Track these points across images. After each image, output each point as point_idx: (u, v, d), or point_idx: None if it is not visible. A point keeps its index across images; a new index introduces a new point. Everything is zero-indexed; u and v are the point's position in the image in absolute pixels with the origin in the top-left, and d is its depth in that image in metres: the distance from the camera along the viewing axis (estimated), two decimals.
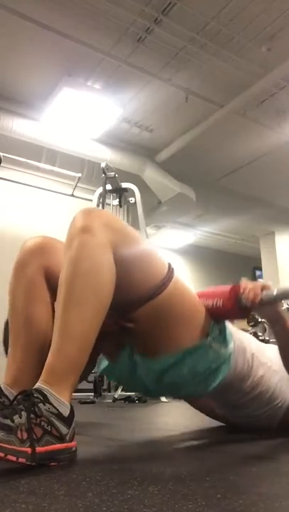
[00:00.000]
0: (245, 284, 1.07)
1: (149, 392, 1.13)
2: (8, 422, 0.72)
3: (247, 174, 5.75)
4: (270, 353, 1.24)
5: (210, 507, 0.52)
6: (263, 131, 4.90)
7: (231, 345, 1.10)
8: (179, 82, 4.18)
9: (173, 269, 1.02)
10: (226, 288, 1.09)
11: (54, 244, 1.11)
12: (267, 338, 3.00)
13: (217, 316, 1.09)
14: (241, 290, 1.06)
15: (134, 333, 1.02)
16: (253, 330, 2.42)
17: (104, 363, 1.16)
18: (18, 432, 0.72)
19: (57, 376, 0.81)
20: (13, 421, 0.72)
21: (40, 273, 1.07)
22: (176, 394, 1.07)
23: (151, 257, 1.00)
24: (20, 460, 0.70)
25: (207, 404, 1.41)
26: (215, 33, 3.58)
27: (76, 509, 0.51)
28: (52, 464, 0.75)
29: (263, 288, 1.06)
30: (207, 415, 1.48)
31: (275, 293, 1.06)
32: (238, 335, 1.19)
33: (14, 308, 1.06)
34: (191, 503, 0.53)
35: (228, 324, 1.15)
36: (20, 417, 0.73)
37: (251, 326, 1.73)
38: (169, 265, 1.02)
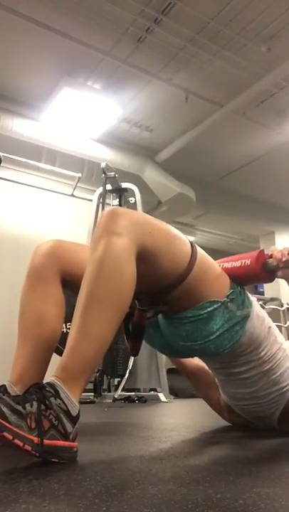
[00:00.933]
0: (274, 248, 1.16)
1: (166, 346, 1.18)
2: (19, 408, 0.72)
3: (247, 174, 5.75)
4: (283, 339, 1.26)
5: (210, 507, 0.52)
6: (263, 131, 4.90)
7: (249, 310, 1.14)
8: (179, 82, 4.18)
9: (195, 248, 1.07)
10: (254, 251, 1.17)
11: (66, 245, 1.14)
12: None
13: (243, 277, 1.16)
14: (270, 252, 1.15)
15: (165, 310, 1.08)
16: None
17: None
18: (28, 420, 0.72)
19: (70, 374, 0.82)
20: (24, 408, 0.73)
21: (55, 275, 1.10)
22: (190, 348, 1.11)
23: (176, 243, 1.04)
24: (26, 447, 0.70)
25: (212, 394, 1.44)
26: (215, 33, 3.59)
27: (76, 509, 0.51)
28: (53, 459, 0.75)
29: None
30: (210, 406, 1.49)
31: None
32: (260, 307, 1.23)
33: (26, 309, 1.08)
34: (191, 503, 0.53)
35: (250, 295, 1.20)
36: (32, 406, 0.74)
37: None
38: (192, 244, 1.07)
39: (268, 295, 6.32)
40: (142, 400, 3.25)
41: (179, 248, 1.04)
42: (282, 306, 4.73)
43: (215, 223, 7.08)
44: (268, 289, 6.86)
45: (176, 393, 4.12)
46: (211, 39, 3.65)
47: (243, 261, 1.16)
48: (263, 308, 4.49)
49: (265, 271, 1.14)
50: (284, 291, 6.49)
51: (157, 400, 3.40)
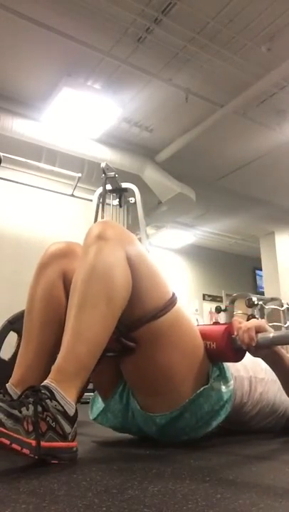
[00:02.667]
0: (238, 326, 1.04)
1: (142, 434, 1.13)
2: (15, 412, 0.72)
3: (247, 174, 5.75)
4: (264, 364, 1.21)
5: (210, 507, 0.52)
6: (263, 131, 4.90)
7: (232, 382, 1.09)
8: (179, 82, 4.18)
9: (176, 297, 1.03)
10: (219, 329, 1.06)
11: (75, 248, 1.13)
12: None
13: (212, 357, 1.07)
14: (235, 332, 1.04)
15: (133, 353, 1.00)
16: None
17: (96, 410, 1.16)
18: (25, 423, 0.72)
19: (65, 376, 0.82)
20: (20, 412, 0.73)
21: (60, 276, 1.09)
22: (178, 439, 1.06)
23: (157, 278, 1.01)
24: (24, 451, 0.70)
25: None
26: (215, 33, 3.58)
27: (76, 509, 0.51)
28: (52, 461, 0.75)
29: (258, 329, 1.02)
30: None
31: (271, 336, 1.00)
32: (235, 366, 1.16)
33: (32, 308, 1.07)
34: (191, 503, 0.53)
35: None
36: (28, 410, 0.74)
37: None
38: (173, 292, 1.03)
39: (267, 295, 6.32)
40: None
41: (160, 284, 1.01)
42: (282, 306, 4.73)
43: (215, 223, 7.08)
44: (268, 289, 6.86)
45: None
46: (211, 39, 3.65)
47: (208, 343, 1.05)
48: (263, 308, 4.49)
49: (233, 353, 1.04)
50: (284, 291, 6.49)
51: None
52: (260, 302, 4.44)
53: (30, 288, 1.10)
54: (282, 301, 4.83)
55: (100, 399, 1.17)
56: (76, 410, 0.81)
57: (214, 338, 1.04)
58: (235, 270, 8.28)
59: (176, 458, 0.88)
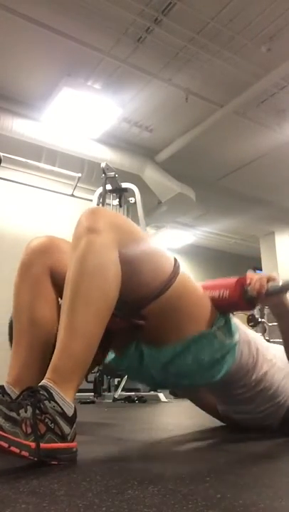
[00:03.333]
0: (252, 276, 1.08)
1: (155, 383, 1.15)
2: (13, 414, 0.72)
3: (247, 174, 5.75)
4: (274, 350, 1.24)
5: (210, 507, 0.52)
6: (263, 131, 4.90)
7: (236, 337, 1.11)
8: (179, 82, 4.18)
9: (179, 265, 1.03)
10: (232, 279, 1.10)
11: (59, 243, 1.11)
12: (267, 338, 2.98)
13: (222, 307, 1.10)
14: (248, 281, 1.08)
15: (143, 329, 1.03)
16: (253, 330, 2.43)
17: (110, 355, 1.16)
18: (23, 426, 0.72)
19: (62, 375, 0.82)
20: (18, 414, 0.73)
21: (46, 272, 1.07)
22: (180, 384, 1.09)
23: (157, 254, 1.02)
24: (23, 453, 0.70)
25: (210, 402, 1.41)
26: (215, 33, 3.58)
27: (76, 509, 0.51)
28: (52, 462, 0.75)
29: (269, 279, 1.07)
30: (209, 414, 1.48)
31: (281, 284, 1.07)
32: (244, 329, 1.19)
33: (19, 307, 1.06)
34: (191, 503, 0.53)
35: (234, 318, 1.16)
36: (26, 412, 0.73)
37: (251, 326, 1.73)
38: (175, 260, 1.04)
39: None
40: (142, 400, 3.25)
41: (161, 259, 1.01)
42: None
43: (215, 223, 7.08)
44: None
45: (176, 393, 4.12)
46: (211, 39, 3.65)
47: (221, 291, 1.09)
48: (263, 308, 4.48)
49: (244, 301, 1.08)
50: None
51: (157, 400, 3.40)
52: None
53: (15, 287, 1.08)
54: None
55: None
56: (75, 410, 0.81)
57: (227, 286, 1.09)
58: (235, 270, 8.18)
59: (176, 458, 0.88)
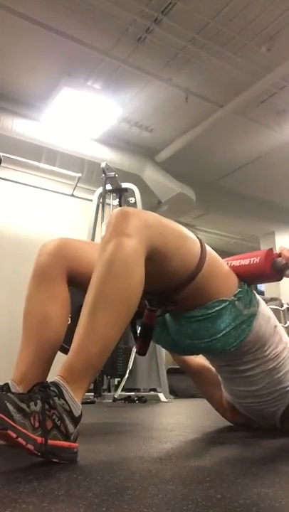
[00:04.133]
0: (282, 248, 1.16)
1: (172, 344, 1.18)
2: (24, 406, 0.72)
3: (247, 174, 5.75)
4: (288, 339, 1.26)
5: (210, 507, 0.52)
6: (263, 131, 4.90)
7: (256, 309, 1.14)
8: (179, 82, 4.18)
9: (204, 246, 1.07)
10: (263, 250, 1.17)
11: (73, 244, 1.14)
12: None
13: (251, 275, 1.16)
14: (279, 251, 1.15)
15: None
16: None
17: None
18: (31, 419, 0.72)
19: (74, 375, 0.82)
20: (28, 406, 0.73)
21: (62, 275, 1.09)
22: (196, 346, 1.12)
23: (186, 242, 1.04)
24: (29, 446, 0.70)
25: (215, 392, 1.43)
26: (215, 33, 3.59)
27: (76, 509, 0.51)
28: (53, 459, 0.75)
29: None
30: (213, 405, 1.49)
31: None
32: (266, 307, 1.23)
33: (31, 306, 1.08)
34: (191, 503, 0.53)
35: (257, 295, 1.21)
36: (36, 405, 0.74)
37: None
38: (201, 242, 1.07)
39: (267, 295, 6.32)
40: (142, 400, 3.25)
41: (189, 248, 1.04)
42: (282, 306, 4.74)
43: (215, 223, 7.08)
44: (268, 289, 6.86)
45: (176, 393, 4.12)
46: (211, 39, 3.65)
47: (252, 259, 1.16)
48: None
49: (273, 269, 1.15)
50: (284, 291, 6.49)
51: (157, 399, 3.40)
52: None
53: (30, 288, 1.10)
54: (282, 301, 4.83)
55: None
56: (81, 412, 0.81)
57: (259, 254, 1.17)
58: None
59: (176, 458, 0.88)
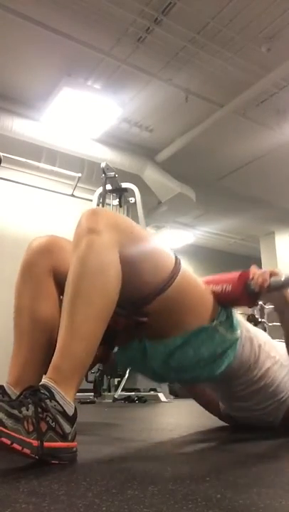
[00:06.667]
0: (254, 270, 1.09)
1: (157, 377, 1.15)
2: (15, 412, 0.72)
3: (247, 174, 5.75)
4: (278, 347, 1.25)
5: (210, 507, 0.52)
6: (263, 131, 4.90)
7: (238, 332, 1.12)
8: (178, 82, 4.18)
9: (180, 261, 1.04)
10: (235, 274, 1.11)
11: (61, 242, 1.12)
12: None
13: (225, 301, 1.10)
14: (250, 276, 1.08)
15: (146, 325, 1.04)
16: None
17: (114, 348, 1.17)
18: (25, 423, 0.72)
19: (63, 375, 0.82)
20: (20, 412, 0.73)
21: (48, 272, 1.08)
22: (182, 378, 1.10)
23: (158, 253, 1.02)
24: (25, 451, 0.70)
25: (212, 401, 1.42)
26: (215, 33, 3.58)
27: (76, 509, 0.51)
28: (52, 461, 0.75)
29: (272, 274, 1.08)
30: (211, 413, 1.48)
31: (283, 279, 1.08)
32: (247, 325, 1.20)
33: (20, 307, 1.07)
34: (191, 503, 0.53)
35: (237, 314, 1.17)
36: (28, 410, 0.74)
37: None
38: (176, 257, 1.04)
39: None
40: (142, 400, 3.25)
41: (162, 257, 1.02)
42: None
43: (215, 223, 7.08)
44: None
45: (176, 393, 4.13)
46: (211, 39, 3.65)
47: (224, 286, 1.10)
48: (264, 308, 4.48)
49: (246, 296, 1.08)
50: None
51: (157, 400, 3.40)
52: (260, 302, 4.44)
53: (17, 287, 1.08)
54: None
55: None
56: (75, 410, 0.81)
57: (230, 280, 1.10)
58: (235, 270, 8.25)
59: (176, 458, 0.88)
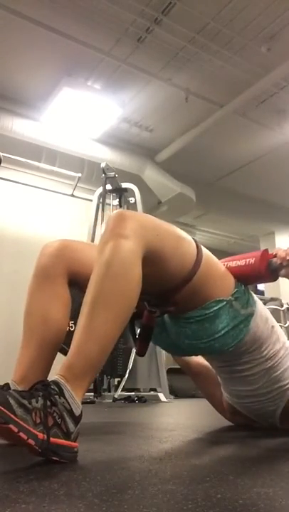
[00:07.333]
0: (278, 249, 1.17)
1: (174, 347, 1.19)
2: (25, 402, 0.73)
3: (247, 174, 5.75)
4: (285, 338, 1.28)
5: (210, 507, 0.52)
6: (263, 131, 4.90)
7: (253, 309, 1.15)
8: (178, 82, 4.18)
9: (201, 248, 1.08)
10: (258, 251, 1.18)
11: (73, 245, 1.16)
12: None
13: (247, 276, 1.17)
14: (274, 252, 1.16)
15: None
16: None
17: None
18: (33, 414, 0.72)
19: (74, 374, 0.83)
20: (30, 403, 0.73)
21: (63, 275, 1.11)
22: (195, 347, 1.13)
23: (182, 244, 1.06)
24: (30, 441, 0.70)
25: (215, 393, 1.44)
26: (215, 33, 3.59)
27: (76, 509, 0.51)
28: (53, 457, 0.75)
29: None
30: (214, 407, 1.49)
31: None
32: (263, 306, 1.24)
33: (32, 306, 1.09)
34: (191, 503, 0.53)
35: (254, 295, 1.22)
36: (37, 402, 0.74)
37: None
38: (197, 244, 1.09)
39: (267, 295, 6.32)
40: (142, 400, 3.25)
41: (185, 249, 1.05)
42: (282, 306, 4.73)
43: (215, 223, 7.08)
44: (268, 289, 6.86)
45: (176, 393, 4.13)
46: (211, 39, 3.65)
47: (247, 260, 1.17)
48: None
49: (268, 270, 1.15)
50: (284, 291, 6.49)
51: (157, 400, 3.40)
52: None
53: (30, 288, 1.11)
54: (282, 301, 4.83)
55: None
56: (81, 411, 0.82)
57: (254, 255, 1.17)
58: None
59: (176, 458, 0.88)
